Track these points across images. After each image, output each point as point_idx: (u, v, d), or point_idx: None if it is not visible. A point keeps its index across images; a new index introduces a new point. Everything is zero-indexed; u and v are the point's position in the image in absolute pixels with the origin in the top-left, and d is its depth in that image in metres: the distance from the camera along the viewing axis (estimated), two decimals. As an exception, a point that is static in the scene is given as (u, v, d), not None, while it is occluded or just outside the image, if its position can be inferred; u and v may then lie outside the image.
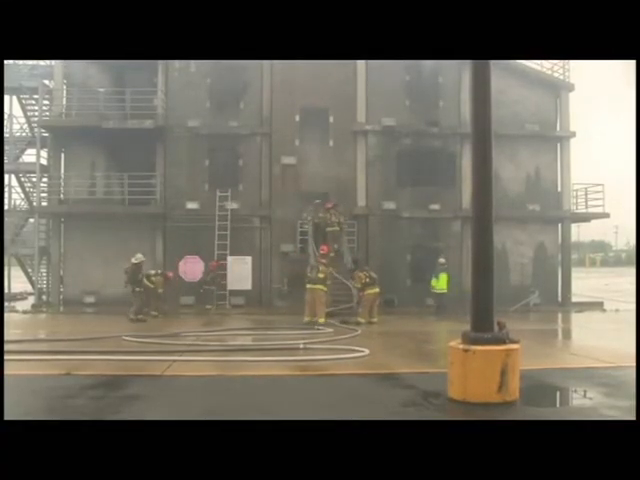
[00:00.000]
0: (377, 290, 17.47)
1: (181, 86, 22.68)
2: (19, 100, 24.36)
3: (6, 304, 21.24)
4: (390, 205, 22.70)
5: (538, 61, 24.27)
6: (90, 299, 21.66)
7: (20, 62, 23.07)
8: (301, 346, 11.75)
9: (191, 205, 22.35)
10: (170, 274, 20.06)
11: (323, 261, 17.29)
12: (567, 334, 17.97)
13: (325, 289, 16.59)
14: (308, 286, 16.73)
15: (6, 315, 18.12)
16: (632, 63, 5.22)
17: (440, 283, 20.27)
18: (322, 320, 16.11)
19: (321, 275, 16.60)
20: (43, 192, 23.70)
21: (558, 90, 24.35)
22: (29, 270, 25.07)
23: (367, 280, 17.32)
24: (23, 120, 24.89)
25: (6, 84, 21.74)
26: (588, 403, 7.85)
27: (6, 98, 23.73)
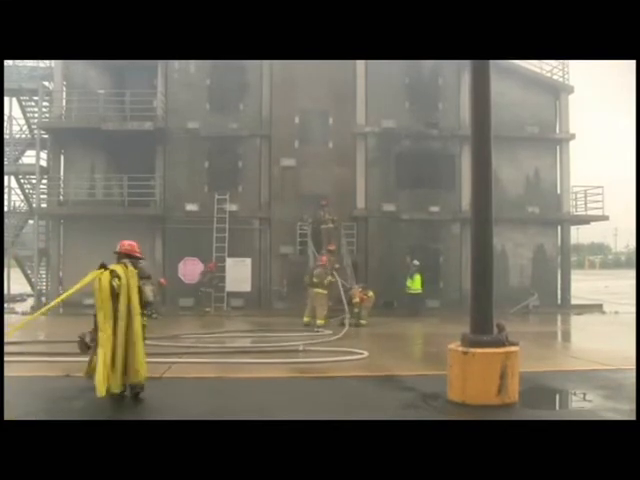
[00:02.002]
0: (372, 293, 18.11)
1: (181, 88, 22.70)
2: (19, 102, 24.36)
3: (5, 306, 21.21)
4: (389, 207, 22.70)
5: (538, 63, 24.31)
6: (89, 301, 21.48)
7: (20, 63, 23.07)
8: (300, 348, 11.76)
9: (190, 207, 22.35)
10: (162, 280, 20.09)
11: (320, 264, 17.40)
12: (566, 336, 17.95)
13: (325, 292, 16.73)
14: (310, 290, 16.83)
15: (5, 317, 18.09)
16: (632, 63, 5.22)
17: (415, 284, 20.63)
18: (321, 322, 16.13)
19: (315, 280, 16.79)
20: (43, 194, 23.69)
21: (558, 92, 24.37)
22: (28, 272, 25.05)
23: (362, 289, 17.95)
24: (23, 122, 24.89)
25: (6, 86, 21.76)
26: (588, 406, 7.84)
27: (6, 100, 23.74)
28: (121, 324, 7.30)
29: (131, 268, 7.53)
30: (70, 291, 8.20)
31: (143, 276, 7.78)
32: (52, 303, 7.97)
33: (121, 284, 7.32)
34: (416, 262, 20.73)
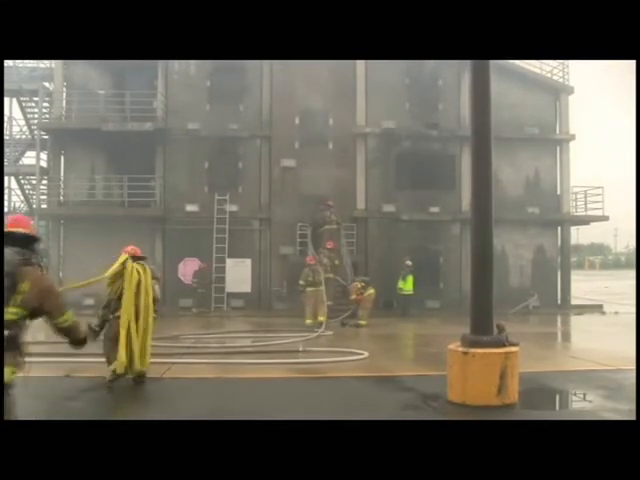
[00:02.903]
0: (373, 291, 17.77)
1: (181, 88, 22.70)
2: (19, 102, 24.38)
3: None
4: (389, 208, 22.69)
5: (538, 64, 24.31)
6: (89, 301, 21.58)
7: (20, 64, 23.09)
8: (300, 349, 11.78)
9: (191, 207, 22.35)
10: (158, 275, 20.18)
11: (312, 263, 17.42)
12: (567, 337, 17.96)
13: (325, 287, 16.90)
14: (310, 289, 16.80)
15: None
16: (632, 63, 5.21)
17: (407, 285, 20.60)
18: (322, 318, 16.13)
19: (321, 277, 16.85)
20: (43, 194, 23.71)
21: (558, 93, 24.38)
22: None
23: (362, 285, 17.69)
24: (23, 122, 24.92)
25: (6, 86, 21.77)
26: (588, 406, 7.85)
27: (6, 100, 23.76)
28: (141, 316, 8.25)
29: (148, 268, 8.53)
30: (98, 277, 8.64)
31: (154, 277, 8.73)
32: (84, 282, 8.87)
33: (141, 278, 8.26)
34: (409, 263, 20.67)
